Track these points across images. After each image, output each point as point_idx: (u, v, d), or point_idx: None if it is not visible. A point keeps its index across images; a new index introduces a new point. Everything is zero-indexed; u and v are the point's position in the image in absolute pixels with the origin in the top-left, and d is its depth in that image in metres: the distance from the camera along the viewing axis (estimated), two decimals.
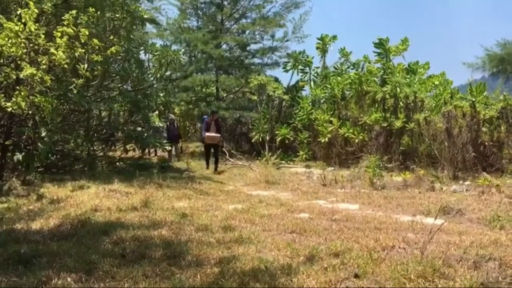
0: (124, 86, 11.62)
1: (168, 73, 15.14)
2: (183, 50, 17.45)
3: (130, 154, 13.43)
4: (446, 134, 11.32)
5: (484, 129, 11.58)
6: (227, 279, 3.47)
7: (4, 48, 7.05)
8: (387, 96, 13.76)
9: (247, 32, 18.75)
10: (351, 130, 13.87)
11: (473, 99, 11.68)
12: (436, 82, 14.50)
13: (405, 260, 3.91)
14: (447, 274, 3.64)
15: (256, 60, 19.13)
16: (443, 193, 8.55)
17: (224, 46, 18.64)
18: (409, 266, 3.72)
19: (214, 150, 12.99)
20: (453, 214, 6.42)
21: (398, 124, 12.86)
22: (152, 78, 12.19)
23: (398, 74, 14.39)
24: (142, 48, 12.99)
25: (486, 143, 11.39)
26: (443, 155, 11.24)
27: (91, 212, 5.75)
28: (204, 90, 19.05)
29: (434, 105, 12.84)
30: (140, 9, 11.65)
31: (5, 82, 7.49)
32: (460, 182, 9.97)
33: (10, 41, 7.07)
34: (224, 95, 19.15)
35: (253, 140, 16.41)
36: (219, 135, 12.99)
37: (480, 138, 11.41)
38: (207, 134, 12.54)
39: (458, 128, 11.27)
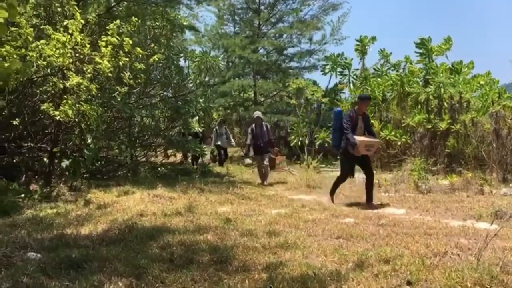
0: (165, 92, 11.82)
1: (206, 79, 15.30)
2: (221, 56, 17.62)
3: (171, 159, 13.62)
4: (494, 135, 10.91)
5: None
6: (276, 285, 3.41)
7: (51, 58, 7.29)
8: (431, 97, 13.39)
9: (284, 36, 18.78)
10: (393, 133, 13.57)
11: None
12: (482, 82, 13.99)
13: (460, 266, 3.74)
14: (506, 281, 3.46)
15: (294, 64, 19.16)
16: (493, 197, 8.22)
17: (261, 51, 18.74)
18: (465, 273, 3.55)
19: (364, 165, 7.92)
20: (506, 218, 6.13)
21: (443, 125, 12.49)
22: (191, 84, 12.35)
23: (441, 74, 13.99)
24: (181, 55, 13.17)
25: None
26: (492, 157, 10.82)
27: (137, 217, 5.82)
28: (242, 95, 19.16)
29: (480, 105, 12.41)
30: (179, 16, 11.86)
31: (52, 91, 7.74)
32: (510, 185, 9.57)
33: (57, 51, 7.31)
34: (262, 100, 19.20)
35: (292, 144, 16.34)
36: (377, 139, 8.35)
37: None
38: (359, 139, 7.52)
39: (507, 129, 10.84)
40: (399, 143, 13.36)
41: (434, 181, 9.83)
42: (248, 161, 14.02)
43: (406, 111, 13.86)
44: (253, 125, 11.18)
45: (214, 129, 15.20)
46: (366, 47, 17.40)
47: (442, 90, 13.20)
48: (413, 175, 9.52)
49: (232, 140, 15.39)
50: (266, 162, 10.96)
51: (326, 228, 5.42)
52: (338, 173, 12.59)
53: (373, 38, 17.51)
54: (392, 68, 16.81)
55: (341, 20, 18.04)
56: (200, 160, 14.49)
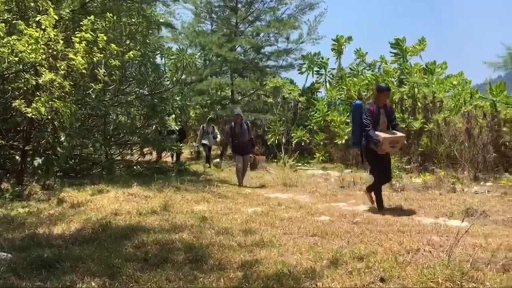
0: (141, 90, 11.68)
1: (183, 76, 15.15)
2: (198, 53, 17.54)
3: (147, 157, 13.46)
4: (466, 135, 11.15)
5: (505, 129, 11.38)
6: (251, 283, 3.42)
7: (24, 54, 7.12)
8: (405, 96, 13.62)
9: (261, 34, 18.79)
10: None
11: (494, 99, 11.48)
12: (454, 82, 14.30)
13: (432, 263, 3.82)
14: (476, 277, 3.54)
15: (271, 63, 19.20)
16: (464, 195, 8.40)
17: (238, 49, 18.72)
18: (436, 269, 3.62)
19: (384, 163, 7.02)
20: (477, 216, 6.29)
21: (416, 125, 12.71)
22: (168, 82, 12.23)
23: (415, 74, 14.25)
24: (158, 52, 13.03)
25: (507, 143, 11.20)
26: (463, 156, 11.06)
27: (111, 216, 5.75)
28: (219, 93, 19.11)
29: (453, 105, 12.67)
30: (155, 13, 11.73)
31: (24, 88, 7.56)
32: (481, 183, 9.79)
33: (29, 47, 7.14)
34: (239, 98, 19.18)
35: (269, 143, 16.38)
36: (403, 134, 7.44)
37: (501, 138, 11.22)
38: (383, 135, 6.71)
39: (479, 128, 11.10)
40: None
41: (407, 180, 9.99)
42: (217, 161, 13.55)
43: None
44: (232, 123, 10.46)
45: (201, 127, 14.86)
46: (342, 47, 17.60)
47: (416, 90, 13.44)
48: None
49: (218, 137, 14.77)
50: (248, 161, 10.43)
51: (302, 226, 5.46)
52: (314, 171, 12.91)
53: (349, 38, 17.72)
54: (368, 68, 17.05)
55: (318, 19, 18.14)
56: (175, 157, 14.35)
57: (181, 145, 12.62)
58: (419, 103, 13.39)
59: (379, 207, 6.89)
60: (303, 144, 15.88)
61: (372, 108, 6.84)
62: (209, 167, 13.66)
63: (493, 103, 11.51)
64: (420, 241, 4.68)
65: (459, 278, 3.48)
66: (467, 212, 6.35)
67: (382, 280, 3.56)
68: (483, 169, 10.75)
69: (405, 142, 7.05)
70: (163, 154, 14.44)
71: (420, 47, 15.42)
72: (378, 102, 6.98)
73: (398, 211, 6.79)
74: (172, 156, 14.68)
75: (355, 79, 15.68)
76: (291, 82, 18.39)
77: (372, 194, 7.11)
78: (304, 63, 18.17)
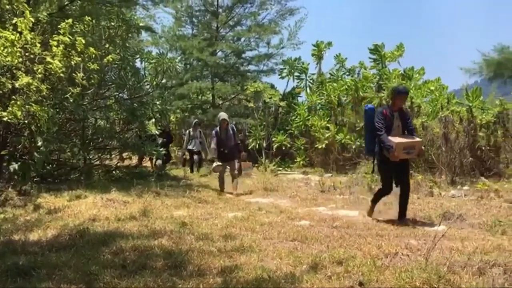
0: (120, 94, 11.56)
1: (163, 81, 15.01)
2: (179, 57, 17.45)
3: (126, 162, 13.31)
4: (443, 139, 11.32)
5: (481, 133, 11.62)
6: None
7: None
8: (384, 102, 13.76)
9: (242, 39, 18.79)
10: (348, 136, 13.87)
11: (470, 104, 11.71)
12: (432, 88, 14.50)
13: (409, 267, 3.87)
14: (453, 281, 3.61)
15: (252, 67, 19.20)
16: (442, 199, 8.53)
17: (219, 54, 18.68)
18: (414, 273, 3.67)
19: (401, 172, 6.39)
20: (453, 219, 6.39)
21: None
22: (148, 86, 12.12)
23: (394, 80, 14.40)
24: (138, 56, 12.93)
25: (483, 148, 11.42)
26: (441, 160, 11.22)
27: (89, 222, 5.68)
28: (200, 97, 19.03)
29: (430, 110, 12.86)
30: (135, 17, 11.65)
31: (0, 92, 7.42)
32: (458, 187, 9.94)
33: (5, 50, 7.02)
34: (220, 103, 19.14)
35: (249, 147, 16.37)
36: (418, 139, 6.62)
37: (477, 143, 11.44)
38: (396, 140, 6.14)
39: (455, 133, 11.29)
40: (353, 147, 13.67)
41: None
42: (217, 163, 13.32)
43: (360, 115, 14.16)
44: (217, 128, 9.79)
45: (187, 131, 14.57)
46: (322, 52, 17.71)
47: None
48: (367, 178, 9.75)
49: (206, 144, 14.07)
50: (235, 167, 9.79)
51: (282, 231, 5.48)
52: (294, 176, 12.95)
53: (329, 44, 17.84)
54: (347, 73, 17.18)
55: (298, 25, 18.24)
56: (157, 162, 14.14)
57: (161, 149, 12.31)
58: None
59: (369, 215, 6.79)
60: (284, 148, 15.90)
61: (385, 111, 6.37)
62: (192, 172, 13.51)
63: (469, 108, 11.73)
64: (398, 245, 4.74)
65: (436, 281, 3.54)
66: (444, 216, 6.44)
67: (360, 284, 3.59)
68: (460, 173, 10.92)
69: (423, 147, 6.48)
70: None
71: (398, 53, 15.62)
72: (393, 106, 6.46)
73: (377, 215, 6.84)
74: (151, 161, 14.49)
75: (335, 84, 15.79)
76: (272, 86, 18.43)
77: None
78: (285, 68, 18.23)
